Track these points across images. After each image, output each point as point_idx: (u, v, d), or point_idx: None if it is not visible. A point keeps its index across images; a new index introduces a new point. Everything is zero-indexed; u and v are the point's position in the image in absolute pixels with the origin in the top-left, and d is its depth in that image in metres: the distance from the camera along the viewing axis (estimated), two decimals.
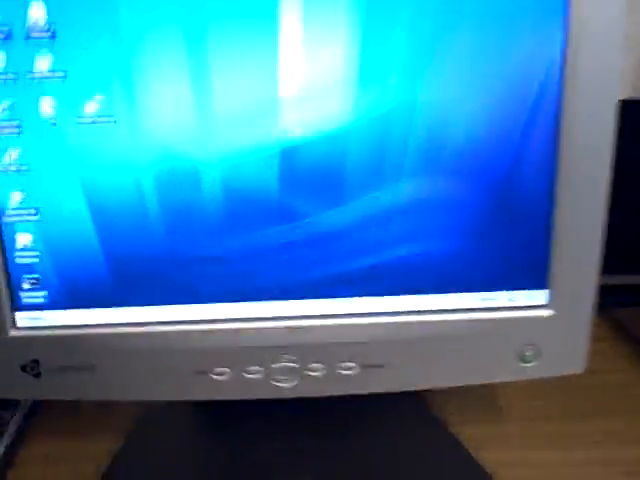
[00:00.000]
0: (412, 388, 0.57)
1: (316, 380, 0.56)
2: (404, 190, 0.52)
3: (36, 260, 0.53)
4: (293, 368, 0.56)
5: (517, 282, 0.55)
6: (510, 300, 0.55)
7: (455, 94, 0.51)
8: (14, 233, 0.53)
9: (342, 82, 0.50)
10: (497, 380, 0.57)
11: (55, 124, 0.50)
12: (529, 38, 0.50)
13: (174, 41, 0.49)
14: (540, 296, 0.55)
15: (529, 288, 0.55)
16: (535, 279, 0.55)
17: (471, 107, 0.51)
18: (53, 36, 0.49)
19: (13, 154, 0.51)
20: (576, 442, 0.63)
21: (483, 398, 0.68)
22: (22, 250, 0.53)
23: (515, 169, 0.52)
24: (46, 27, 0.48)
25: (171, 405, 0.68)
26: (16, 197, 0.52)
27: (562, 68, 0.50)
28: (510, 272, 0.55)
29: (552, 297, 0.55)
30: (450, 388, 0.60)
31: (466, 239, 0.54)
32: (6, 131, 0.50)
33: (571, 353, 0.57)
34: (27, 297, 0.54)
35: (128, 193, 0.52)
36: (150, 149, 0.51)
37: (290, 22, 0.49)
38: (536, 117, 0.51)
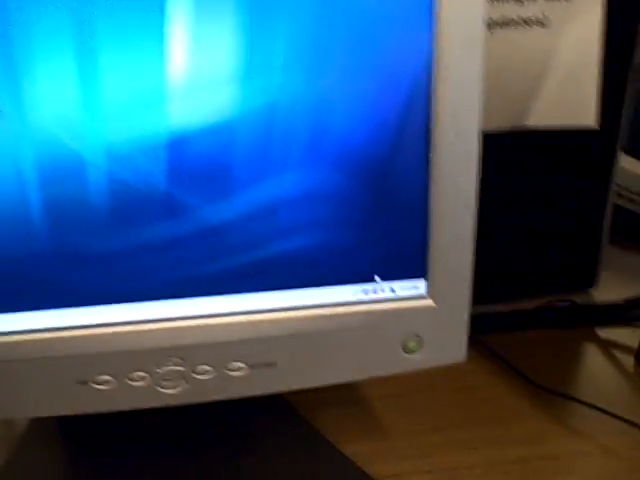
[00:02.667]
0: (301, 387, 0.57)
1: (204, 384, 0.54)
2: (288, 182, 0.54)
3: None
4: (180, 372, 0.54)
5: (397, 272, 0.57)
6: (391, 291, 0.57)
7: (333, 90, 0.53)
8: None
9: (228, 76, 0.51)
10: (384, 373, 0.58)
11: None
12: (399, 38, 0.53)
13: (61, 30, 0.48)
14: (419, 286, 0.58)
15: (408, 278, 0.57)
16: (413, 269, 0.57)
17: (348, 102, 0.53)
18: None
19: None
20: (456, 449, 0.65)
21: (361, 415, 0.69)
22: None
23: (391, 162, 0.55)
24: None
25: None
26: None
27: (430, 67, 0.53)
28: (390, 262, 0.57)
29: (430, 287, 0.57)
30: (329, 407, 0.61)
31: (348, 230, 0.55)
32: None
33: (452, 343, 0.59)
34: None
35: (9, 188, 0.49)
36: (34, 141, 0.49)
37: (179, 17, 0.50)
38: (409, 112, 0.54)
